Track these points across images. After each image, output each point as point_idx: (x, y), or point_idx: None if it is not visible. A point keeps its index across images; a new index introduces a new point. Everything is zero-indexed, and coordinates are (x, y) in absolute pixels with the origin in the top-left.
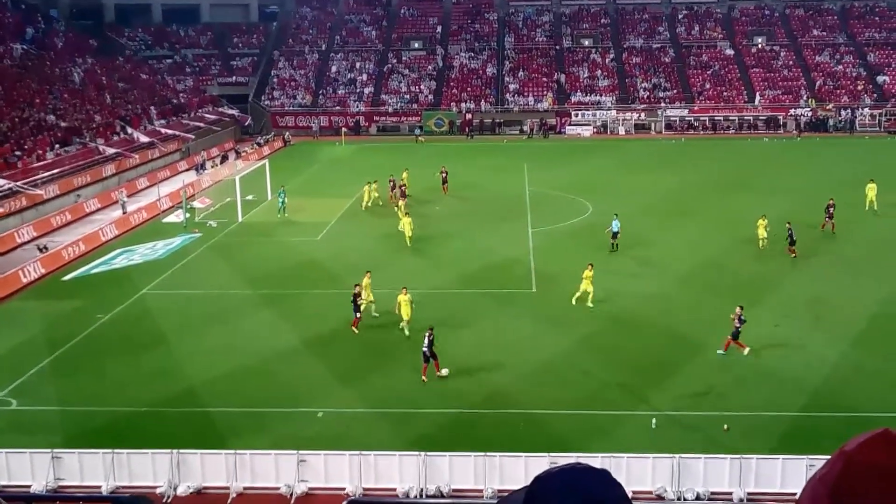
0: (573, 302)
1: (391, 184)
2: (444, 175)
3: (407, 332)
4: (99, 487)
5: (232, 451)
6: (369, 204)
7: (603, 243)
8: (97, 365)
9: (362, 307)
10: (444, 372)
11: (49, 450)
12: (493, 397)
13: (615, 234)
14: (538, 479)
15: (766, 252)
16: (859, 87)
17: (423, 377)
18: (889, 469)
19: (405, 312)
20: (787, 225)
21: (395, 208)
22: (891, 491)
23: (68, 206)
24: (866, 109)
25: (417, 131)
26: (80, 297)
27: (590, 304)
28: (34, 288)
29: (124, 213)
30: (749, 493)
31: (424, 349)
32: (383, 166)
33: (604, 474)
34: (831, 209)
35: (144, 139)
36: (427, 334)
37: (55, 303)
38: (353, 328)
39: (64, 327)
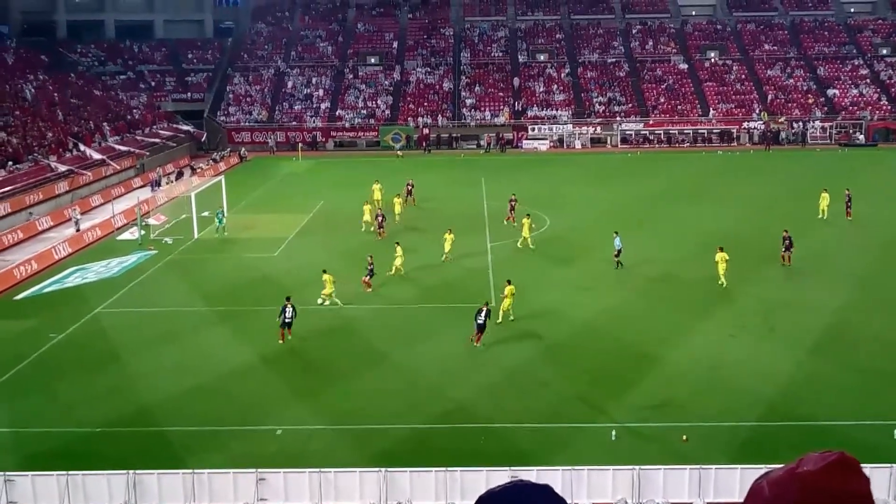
0: (723, 285)
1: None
2: (409, 188)
3: (500, 319)
4: None
5: (189, 471)
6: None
7: (559, 256)
8: (50, 385)
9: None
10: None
11: (2, 472)
12: (454, 411)
13: (618, 252)
14: (481, 499)
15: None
16: (810, 101)
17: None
18: (845, 494)
19: (506, 303)
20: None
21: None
22: None
23: (20, 224)
24: (817, 122)
25: (399, 147)
26: (33, 316)
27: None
28: None
29: (78, 230)
30: None
31: (479, 321)
32: (343, 181)
33: (546, 490)
34: (787, 241)
35: (97, 156)
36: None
37: (6, 322)
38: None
39: (15, 347)
